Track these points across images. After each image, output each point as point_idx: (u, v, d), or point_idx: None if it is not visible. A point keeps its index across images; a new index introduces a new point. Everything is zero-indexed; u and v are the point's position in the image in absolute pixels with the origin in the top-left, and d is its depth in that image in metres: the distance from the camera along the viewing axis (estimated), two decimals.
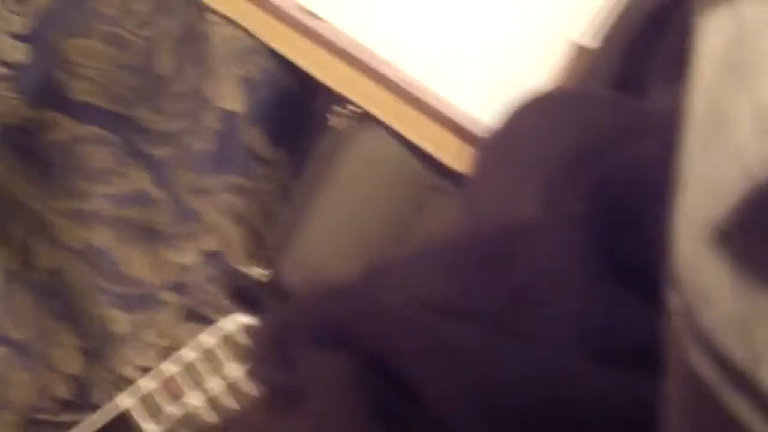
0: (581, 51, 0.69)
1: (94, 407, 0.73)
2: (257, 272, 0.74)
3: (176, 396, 0.71)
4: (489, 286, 0.48)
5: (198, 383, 0.71)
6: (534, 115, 0.58)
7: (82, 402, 0.74)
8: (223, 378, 0.71)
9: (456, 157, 0.75)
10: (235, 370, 0.71)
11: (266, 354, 0.52)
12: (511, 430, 0.43)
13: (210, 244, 0.79)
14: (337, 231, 0.75)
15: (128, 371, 0.75)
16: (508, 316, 0.46)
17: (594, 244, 0.46)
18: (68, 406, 0.74)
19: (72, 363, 0.75)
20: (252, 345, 0.54)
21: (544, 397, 0.43)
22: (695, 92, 0.29)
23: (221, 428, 0.58)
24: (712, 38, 0.29)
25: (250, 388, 0.70)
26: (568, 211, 0.47)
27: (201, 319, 0.76)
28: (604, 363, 0.44)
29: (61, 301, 0.78)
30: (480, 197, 0.58)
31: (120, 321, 0.77)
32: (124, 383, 0.75)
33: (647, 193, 0.45)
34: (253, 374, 0.61)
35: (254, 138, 0.81)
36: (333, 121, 0.79)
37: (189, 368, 0.71)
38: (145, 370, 0.74)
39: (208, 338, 0.72)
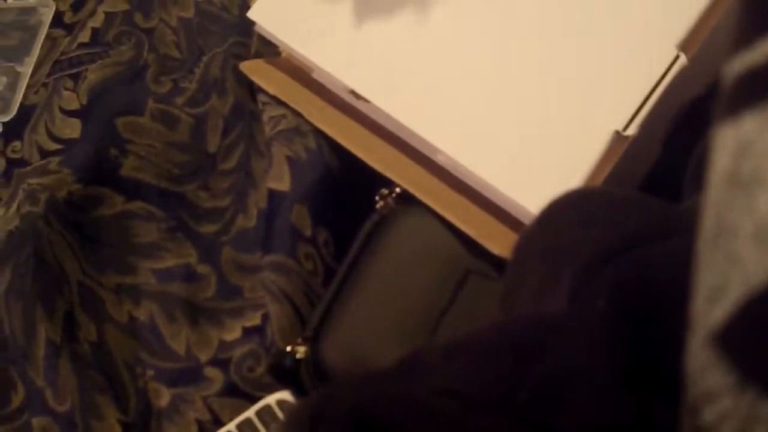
0: (623, 140, 0.70)
1: None
2: (298, 350, 0.74)
3: None
4: (518, 377, 0.48)
5: None
6: (568, 213, 0.58)
7: None
8: None
9: (497, 241, 0.75)
10: None
11: None
12: None
13: (253, 321, 0.80)
14: (376, 312, 0.75)
15: None
16: (531, 409, 0.47)
17: (616, 341, 0.46)
18: None
19: None
20: (287, 422, 0.55)
21: None
22: (706, 201, 0.30)
23: None
24: (720, 150, 0.30)
25: None
26: (592, 307, 0.48)
27: (243, 395, 0.76)
28: None
29: (104, 374, 0.78)
30: (515, 287, 0.59)
31: (162, 395, 0.78)
32: None
33: (668, 293, 0.46)
34: None
35: (299, 217, 0.82)
36: (377, 202, 0.80)
37: None
38: None
39: (247, 413, 0.72)
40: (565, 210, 0.58)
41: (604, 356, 0.46)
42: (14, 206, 0.87)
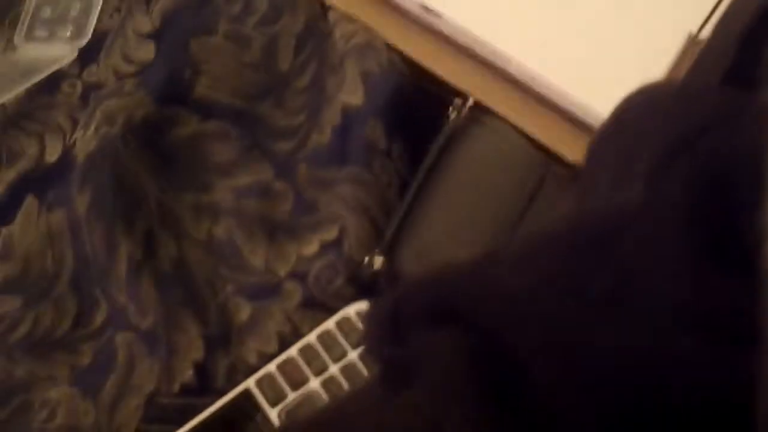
0: (696, 43, 0.69)
1: (217, 392, 0.74)
2: (376, 261, 0.74)
3: (296, 379, 0.72)
4: (597, 265, 0.48)
5: (316, 366, 0.71)
6: (641, 107, 0.58)
7: (205, 387, 0.75)
8: (340, 360, 0.71)
9: (571, 147, 0.75)
10: (352, 353, 0.72)
11: (380, 331, 0.53)
12: (610, 405, 0.43)
13: (330, 234, 0.80)
14: (452, 220, 0.75)
15: (251, 357, 0.76)
16: (612, 295, 0.46)
17: (694, 225, 0.46)
18: (192, 391, 0.75)
19: (196, 349, 0.77)
20: (367, 322, 0.55)
21: (650, 371, 0.43)
22: None
23: (337, 406, 0.58)
24: None
25: (366, 371, 0.71)
26: (669, 195, 0.47)
27: (321, 307, 0.77)
28: (707, 343, 0.43)
29: (185, 290, 0.79)
30: (590, 184, 0.59)
31: (243, 309, 0.79)
32: (246, 369, 0.76)
33: (744, 179, 0.45)
34: (367, 352, 0.62)
35: (373, 131, 0.82)
36: (450, 114, 0.80)
37: (308, 350, 0.72)
38: (267, 357, 0.75)
39: (327, 324, 0.73)
40: (638, 105, 0.58)
41: (682, 242, 0.46)
42: (92, 128, 0.88)
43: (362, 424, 0.52)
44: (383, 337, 0.52)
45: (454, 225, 0.75)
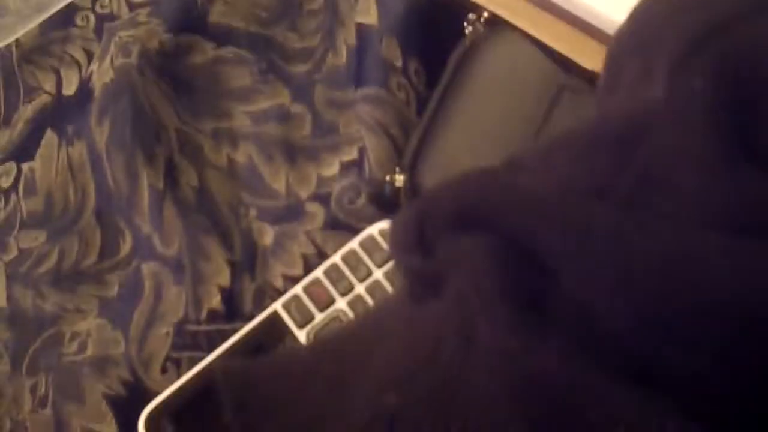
0: None
1: (244, 317, 0.75)
2: (396, 179, 0.74)
3: (323, 300, 0.72)
4: (621, 167, 0.47)
5: (342, 286, 0.72)
6: (657, 5, 0.57)
7: (233, 312, 0.76)
8: (364, 279, 0.71)
9: (589, 57, 0.74)
10: (377, 271, 0.72)
11: (407, 241, 0.52)
12: (644, 304, 0.43)
13: (350, 154, 0.80)
14: (471, 134, 0.75)
15: (276, 281, 0.76)
16: (637, 194, 0.46)
17: (716, 120, 0.45)
18: (219, 316, 0.76)
19: (222, 275, 0.77)
20: (392, 233, 0.55)
21: (678, 269, 0.43)
22: None
23: (366, 319, 0.59)
24: None
25: (391, 289, 0.71)
26: (690, 89, 0.47)
27: (345, 227, 0.77)
28: (737, 238, 0.43)
29: (208, 217, 0.79)
30: (611, 88, 0.58)
31: (267, 233, 0.79)
32: (273, 292, 0.76)
33: (764, 71, 0.45)
34: (395, 263, 0.62)
35: (389, 49, 0.82)
36: (466, 28, 0.79)
37: (333, 271, 0.72)
38: (293, 279, 0.75)
39: (351, 244, 0.73)
40: (656, 3, 0.57)
41: (706, 135, 0.46)
42: (107, 60, 0.88)
43: (392, 335, 0.52)
44: (410, 246, 0.52)
45: (474, 139, 0.75)
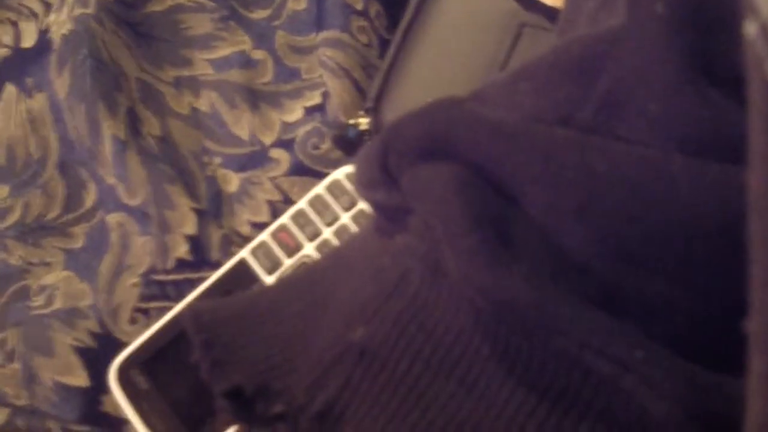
0: None
1: (212, 265, 0.75)
2: (360, 122, 0.74)
3: (291, 246, 0.72)
4: (582, 94, 0.47)
5: (310, 231, 0.71)
6: None
7: (200, 260, 0.76)
8: (331, 223, 0.71)
9: None
10: (344, 215, 0.72)
11: (371, 174, 0.52)
12: (607, 228, 0.43)
13: (313, 99, 0.80)
14: (434, 74, 0.75)
15: (243, 228, 0.76)
16: (600, 121, 0.46)
17: (679, 44, 0.45)
18: (187, 265, 0.75)
19: (188, 224, 0.76)
20: (357, 167, 0.55)
21: (642, 191, 0.43)
22: None
23: (333, 255, 0.59)
24: None
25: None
26: (652, 13, 0.47)
27: (310, 172, 0.77)
28: (697, 162, 0.43)
29: (172, 166, 0.79)
30: (571, 20, 0.58)
31: (232, 180, 0.78)
32: (240, 239, 0.76)
33: None
34: (360, 197, 0.62)
35: None
36: None
37: (300, 216, 0.72)
38: (259, 226, 0.75)
39: (317, 189, 0.72)
40: None
41: (667, 59, 0.45)
42: (65, 10, 0.87)
43: (357, 269, 0.52)
44: (374, 180, 0.52)
45: (437, 79, 0.75)
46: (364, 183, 0.54)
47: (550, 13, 0.73)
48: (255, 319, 0.54)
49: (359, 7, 0.81)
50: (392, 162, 0.51)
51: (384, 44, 0.80)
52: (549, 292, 0.43)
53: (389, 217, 0.53)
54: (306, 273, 0.59)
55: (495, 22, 0.76)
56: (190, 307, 0.58)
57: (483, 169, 0.47)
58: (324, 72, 0.80)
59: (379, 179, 0.52)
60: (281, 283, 0.62)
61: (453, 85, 0.71)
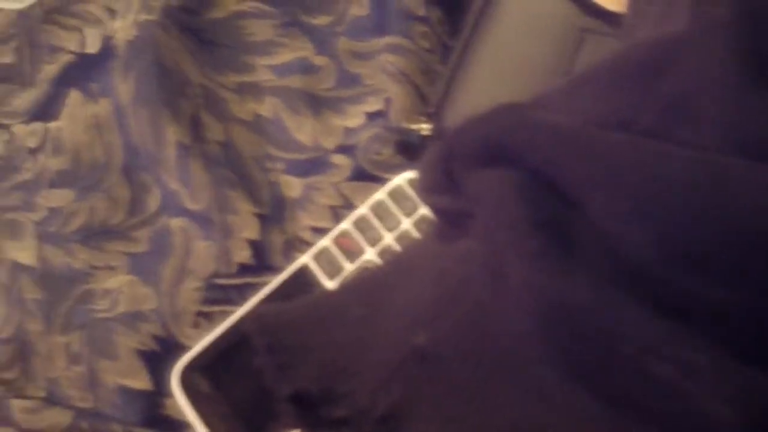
0: None
1: (274, 270, 0.75)
2: (422, 127, 0.74)
3: (352, 251, 0.72)
4: (644, 99, 0.47)
5: (371, 237, 0.72)
6: None
7: (262, 265, 0.76)
8: (393, 229, 0.71)
9: None
10: (406, 221, 0.72)
11: (433, 181, 0.52)
12: (667, 233, 0.43)
13: (374, 105, 0.80)
14: (496, 80, 0.75)
15: (304, 233, 0.76)
16: (661, 126, 0.46)
17: (741, 49, 0.45)
18: (248, 269, 0.76)
19: (250, 229, 0.77)
20: (420, 172, 0.55)
21: (703, 195, 0.43)
22: None
23: (395, 261, 0.59)
24: None
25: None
26: (714, 19, 0.46)
27: (372, 178, 0.77)
28: (759, 165, 0.43)
29: (235, 171, 0.80)
30: (635, 26, 0.57)
31: (293, 186, 0.79)
32: (301, 245, 0.76)
33: None
34: (423, 203, 0.62)
35: None
36: None
37: (361, 223, 0.72)
38: (321, 231, 0.75)
39: (378, 194, 0.73)
40: None
41: (728, 64, 0.45)
42: (130, 17, 0.88)
43: (419, 274, 0.52)
44: (436, 186, 0.52)
45: (498, 86, 0.75)
46: (427, 188, 0.54)
47: (612, 18, 0.73)
48: (318, 324, 0.54)
49: (421, 13, 0.81)
50: (455, 167, 0.51)
51: (446, 50, 0.80)
52: (610, 296, 0.43)
53: (451, 222, 0.53)
54: (367, 278, 0.59)
55: (557, 28, 0.76)
56: (253, 311, 0.58)
57: (544, 174, 0.47)
58: (386, 77, 0.80)
59: (442, 184, 0.52)
60: (343, 288, 0.62)
61: (514, 91, 0.71)
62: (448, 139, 0.53)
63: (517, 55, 0.76)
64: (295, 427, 0.62)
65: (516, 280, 0.46)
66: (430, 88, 0.78)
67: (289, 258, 0.77)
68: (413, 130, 0.75)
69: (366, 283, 0.57)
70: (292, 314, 0.55)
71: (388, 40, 0.81)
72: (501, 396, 0.46)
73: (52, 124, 0.88)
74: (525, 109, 0.52)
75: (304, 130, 0.81)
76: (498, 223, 0.47)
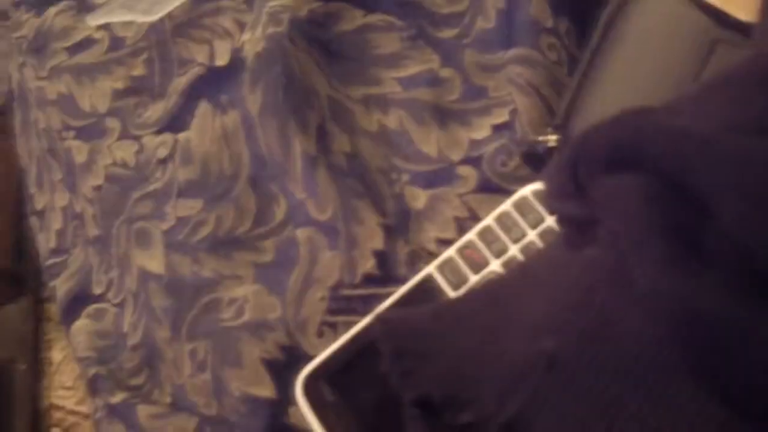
0: None
1: (399, 280, 0.75)
2: (549, 139, 0.74)
3: (477, 262, 0.71)
4: None
5: (496, 248, 0.71)
6: None
7: (387, 275, 0.76)
8: (518, 240, 0.71)
9: (744, 8, 0.72)
10: (531, 232, 0.71)
11: (560, 187, 0.52)
12: None
13: (501, 117, 0.80)
14: (624, 91, 0.74)
15: (430, 244, 0.76)
16: None
17: None
18: (373, 280, 0.76)
19: (375, 239, 0.77)
20: (547, 178, 0.55)
21: None
22: None
23: (519, 266, 0.58)
24: None
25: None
26: None
27: (498, 190, 0.77)
28: None
29: (361, 182, 0.80)
30: (766, 31, 0.56)
31: (419, 197, 0.79)
32: (426, 255, 0.76)
33: None
34: (549, 210, 0.61)
35: (539, 10, 0.81)
36: None
37: (486, 233, 0.71)
38: (446, 242, 0.75)
39: (504, 206, 0.72)
40: None
41: None
42: (259, 29, 0.89)
43: (545, 282, 0.51)
44: (564, 192, 0.51)
45: (626, 97, 0.74)
46: (554, 194, 0.54)
47: (745, 28, 0.71)
48: (443, 330, 0.54)
49: (549, 24, 0.81)
50: (582, 172, 0.50)
51: (573, 61, 0.80)
52: (742, 302, 0.42)
53: (578, 229, 0.53)
54: (492, 285, 0.59)
55: (687, 39, 0.74)
56: (379, 316, 0.58)
57: (672, 179, 0.47)
58: (513, 89, 0.79)
59: (569, 190, 0.52)
60: (468, 295, 0.62)
61: (643, 103, 0.70)
62: (575, 144, 0.52)
63: (645, 66, 0.75)
64: None
65: (643, 286, 0.45)
66: (557, 99, 0.77)
67: (413, 269, 0.76)
68: (540, 141, 0.75)
69: (492, 291, 0.57)
70: (417, 319, 0.55)
71: (515, 51, 0.81)
72: (627, 404, 0.46)
73: (181, 135, 0.90)
74: (655, 114, 0.51)
75: (429, 142, 0.81)
76: (624, 228, 0.47)
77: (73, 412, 1.00)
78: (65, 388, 0.99)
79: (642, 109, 0.51)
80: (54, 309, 0.95)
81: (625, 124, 0.50)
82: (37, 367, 1.11)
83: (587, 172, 0.50)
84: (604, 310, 0.46)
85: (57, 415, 0.98)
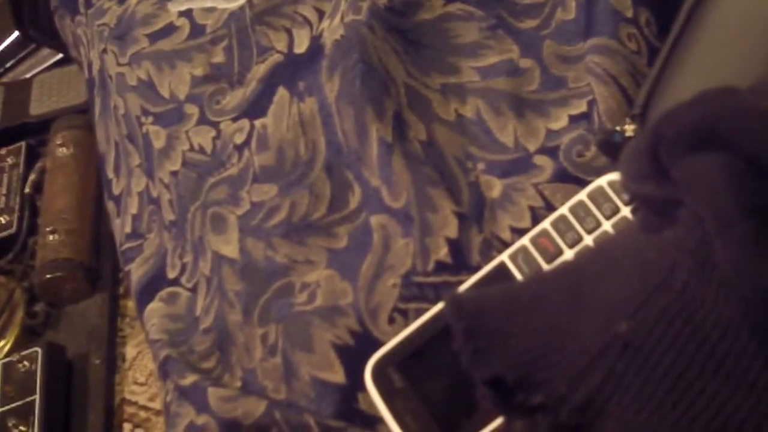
0: None
1: (471, 268, 0.75)
2: (627, 129, 0.73)
3: (550, 252, 0.71)
4: None
5: (570, 238, 0.71)
6: None
7: (460, 263, 0.76)
8: (593, 230, 0.70)
9: None
10: (606, 223, 0.70)
11: (640, 167, 0.51)
12: None
13: (578, 107, 0.79)
14: (704, 82, 0.72)
15: (504, 233, 0.76)
16: None
17: None
18: (446, 268, 0.76)
19: (449, 227, 0.77)
20: (625, 161, 0.54)
21: None
22: None
23: (595, 249, 0.58)
24: None
25: None
26: None
27: (573, 179, 0.76)
28: None
29: (436, 170, 0.80)
30: None
31: (494, 186, 0.78)
32: (500, 244, 0.76)
33: None
34: (626, 190, 0.61)
35: (619, 0, 0.80)
36: None
37: (561, 222, 0.71)
38: (521, 232, 0.75)
39: (579, 195, 0.72)
40: None
41: None
42: (338, 17, 0.89)
43: (622, 264, 0.51)
44: (643, 172, 0.51)
45: (705, 87, 0.73)
46: (633, 175, 0.53)
47: None
48: (517, 310, 0.53)
49: (629, 14, 0.80)
50: (663, 152, 0.50)
51: (653, 52, 0.79)
52: None
53: (656, 211, 0.52)
54: (566, 267, 0.58)
55: None
56: (451, 295, 0.58)
57: (757, 159, 0.46)
58: (591, 78, 0.79)
59: (649, 171, 0.51)
60: (542, 275, 0.62)
61: None
62: (657, 123, 0.51)
63: (726, 57, 0.74)
64: (492, 417, 0.62)
65: (725, 267, 0.44)
66: (636, 90, 0.76)
67: (486, 257, 0.76)
68: (617, 131, 0.74)
69: (564, 272, 0.57)
70: (490, 299, 0.55)
71: (594, 41, 0.80)
72: (706, 387, 0.45)
73: (258, 122, 0.90)
74: (738, 93, 0.50)
75: (506, 131, 0.81)
76: (708, 209, 0.46)
77: (145, 408, 1.01)
78: (138, 384, 1.00)
79: (726, 89, 0.51)
80: (129, 305, 0.95)
81: (709, 104, 0.49)
82: (111, 363, 1.13)
83: (669, 152, 0.49)
84: (685, 292, 0.46)
85: (129, 410, 0.99)
